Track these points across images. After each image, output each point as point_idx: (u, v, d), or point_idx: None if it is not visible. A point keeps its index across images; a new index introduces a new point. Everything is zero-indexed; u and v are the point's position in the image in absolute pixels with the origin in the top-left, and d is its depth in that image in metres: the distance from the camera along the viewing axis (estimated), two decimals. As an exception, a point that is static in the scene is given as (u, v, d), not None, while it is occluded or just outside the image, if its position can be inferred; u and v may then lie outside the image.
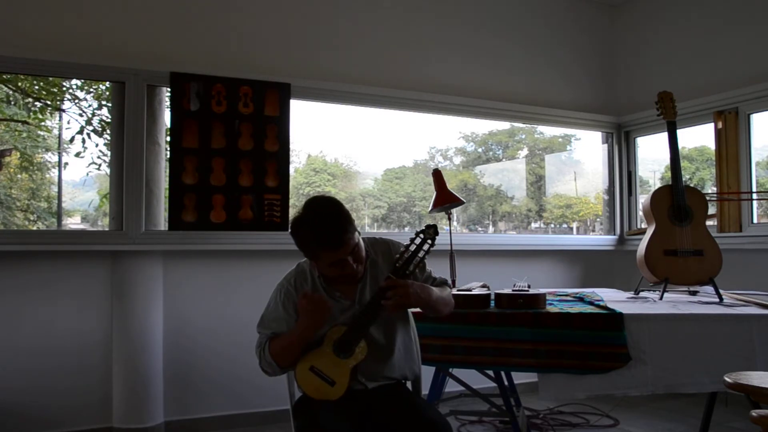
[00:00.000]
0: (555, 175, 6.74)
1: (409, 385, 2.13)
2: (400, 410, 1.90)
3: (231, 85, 3.47)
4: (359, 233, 1.93)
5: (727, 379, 1.85)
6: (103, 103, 5.41)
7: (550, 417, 3.52)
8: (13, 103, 5.48)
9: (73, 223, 6.10)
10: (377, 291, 1.90)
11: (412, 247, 1.90)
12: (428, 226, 1.90)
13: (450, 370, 2.77)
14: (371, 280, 2.00)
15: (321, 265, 1.93)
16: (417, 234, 1.91)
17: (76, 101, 5.43)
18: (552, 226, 6.48)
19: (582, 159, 6.24)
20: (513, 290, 2.61)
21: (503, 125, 5.91)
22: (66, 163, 5.63)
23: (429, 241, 1.90)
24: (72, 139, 5.31)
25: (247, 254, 3.56)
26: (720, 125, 3.96)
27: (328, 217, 1.86)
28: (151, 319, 3.32)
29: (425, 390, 2.34)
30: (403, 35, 4.07)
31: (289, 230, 1.91)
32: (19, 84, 5.21)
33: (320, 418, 1.87)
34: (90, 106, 5.49)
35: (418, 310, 2.03)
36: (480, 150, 6.45)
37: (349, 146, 5.76)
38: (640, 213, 4.43)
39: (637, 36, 4.67)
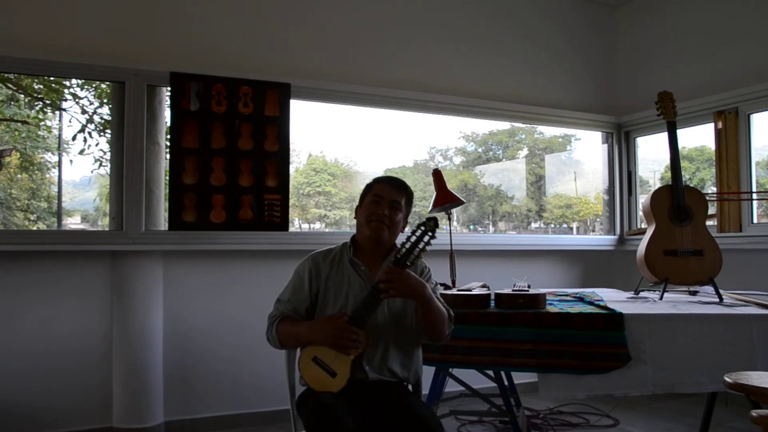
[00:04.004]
0: (555, 175, 6.75)
1: (410, 387, 2.15)
2: (393, 405, 1.93)
3: (231, 85, 3.47)
4: (408, 221, 2.21)
5: (727, 379, 1.85)
6: (104, 101, 5.40)
7: (550, 417, 3.52)
8: (13, 103, 5.48)
9: (73, 223, 6.11)
10: (376, 280, 1.95)
11: (413, 238, 1.94)
12: (429, 219, 1.95)
13: (450, 370, 2.77)
14: None
15: (365, 202, 2.14)
16: (418, 226, 1.95)
17: (77, 99, 5.43)
18: (552, 226, 6.49)
19: (582, 159, 6.25)
20: (513, 290, 2.61)
21: (503, 125, 5.91)
22: (71, 161, 5.63)
23: (429, 233, 1.94)
24: (74, 137, 5.31)
25: (247, 254, 3.56)
26: (720, 125, 3.95)
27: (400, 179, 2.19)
28: (151, 319, 3.32)
29: (425, 390, 2.34)
30: (403, 35, 4.07)
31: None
32: (20, 83, 5.21)
33: (326, 403, 1.88)
34: (91, 104, 5.49)
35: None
36: (480, 150, 6.45)
37: (349, 146, 5.76)
38: (640, 213, 4.43)
39: (637, 36, 4.67)
